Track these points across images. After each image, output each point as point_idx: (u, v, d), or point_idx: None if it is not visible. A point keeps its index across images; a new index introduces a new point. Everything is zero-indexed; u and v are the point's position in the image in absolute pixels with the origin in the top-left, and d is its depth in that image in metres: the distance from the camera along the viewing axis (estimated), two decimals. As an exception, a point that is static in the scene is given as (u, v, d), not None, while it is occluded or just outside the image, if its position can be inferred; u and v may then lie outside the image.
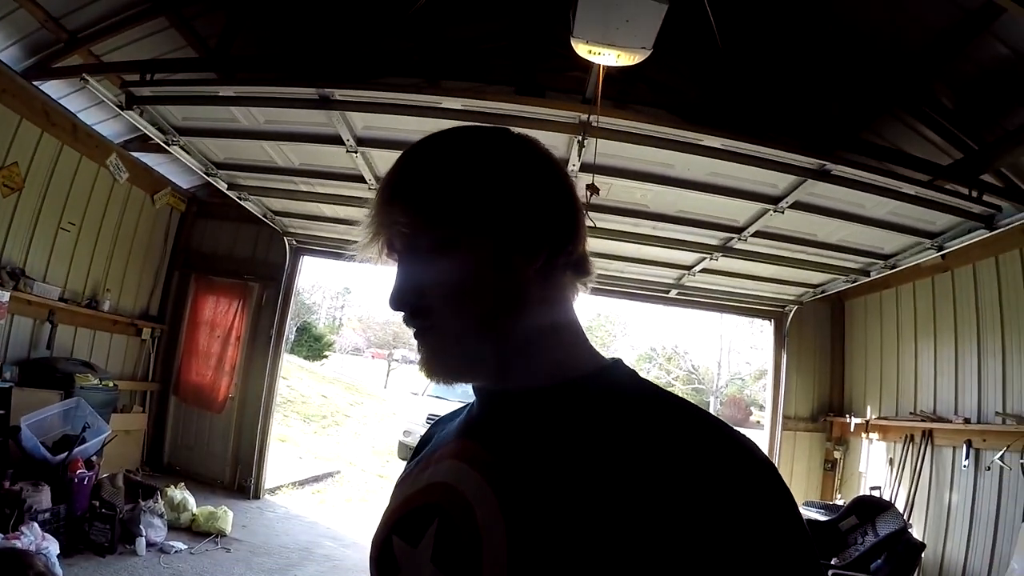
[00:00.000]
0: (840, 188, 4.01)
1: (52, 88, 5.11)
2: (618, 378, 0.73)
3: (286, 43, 5.31)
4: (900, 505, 5.28)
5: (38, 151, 5.31)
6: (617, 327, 38.85)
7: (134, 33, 4.78)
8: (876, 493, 5.41)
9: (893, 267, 5.16)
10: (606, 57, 3.24)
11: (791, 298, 6.68)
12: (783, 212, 4.42)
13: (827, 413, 6.76)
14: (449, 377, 0.74)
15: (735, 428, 0.66)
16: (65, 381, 5.39)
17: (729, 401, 26.86)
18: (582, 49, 3.19)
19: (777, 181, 4.16)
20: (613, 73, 3.61)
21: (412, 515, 0.74)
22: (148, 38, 4.89)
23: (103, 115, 5.57)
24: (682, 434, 0.63)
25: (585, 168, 4.15)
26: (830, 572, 4.06)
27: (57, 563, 3.85)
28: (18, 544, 3.62)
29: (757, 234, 4.93)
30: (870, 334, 6.48)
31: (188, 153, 5.06)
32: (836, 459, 6.54)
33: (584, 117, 3.69)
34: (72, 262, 6.00)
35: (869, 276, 5.46)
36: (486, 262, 0.71)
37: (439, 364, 0.73)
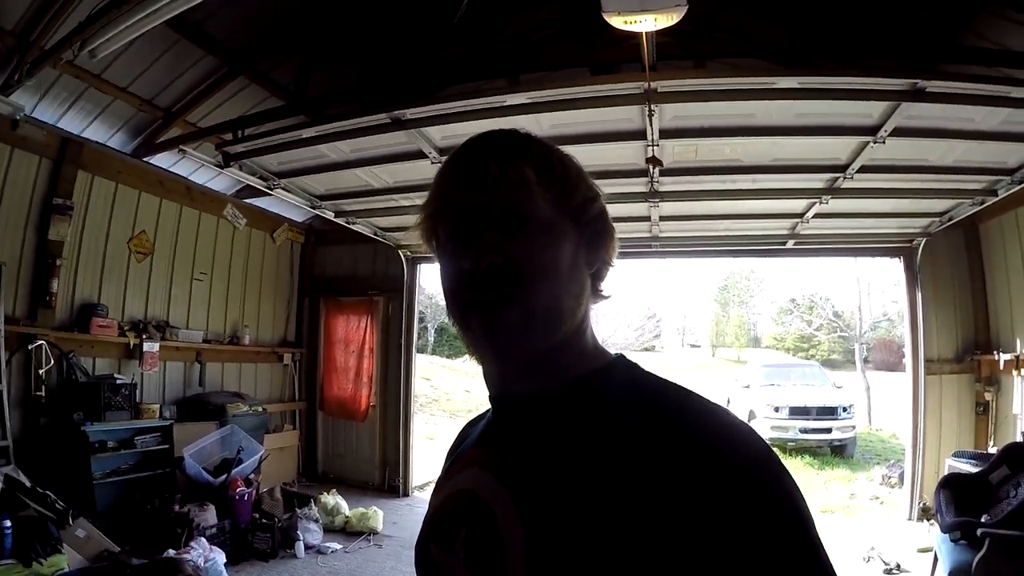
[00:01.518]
0: (940, 105, 3.60)
1: (161, 160, 5.75)
2: (619, 374, 0.76)
3: (357, 75, 5.60)
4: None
5: (161, 216, 6.03)
6: (753, 283, 37.19)
7: (221, 96, 5.29)
8: (1030, 437, 4.85)
9: (1022, 181, 4.57)
10: (644, 23, 3.14)
11: (917, 230, 6.09)
12: (884, 142, 4.04)
13: (973, 352, 6.07)
14: (509, 354, 0.74)
15: (735, 418, 0.69)
16: (218, 412, 6.10)
17: (878, 345, 24.80)
18: (617, 21, 3.12)
19: (869, 110, 3.81)
20: (685, 29, 3.52)
21: (444, 522, 0.78)
22: (234, 97, 5.39)
23: (211, 173, 6.16)
24: (676, 429, 0.65)
25: (665, 135, 4.07)
26: (979, 531, 3.71)
27: (224, 571, 4.40)
28: (188, 557, 4.23)
29: (863, 169, 4.56)
30: (1011, 258, 5.75)
31: (291, 192, 5.52)
32: (987, 401, 5.90)
33: (646, 86, 3.60)
34: (210, 306, 6.73)
35: (997, 195, 4.86)
36: (571, 251, 0.75)
37: (506, 338, 0.72)
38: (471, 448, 0.83)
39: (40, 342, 4.83)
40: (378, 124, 4.19)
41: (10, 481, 3.98)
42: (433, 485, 0.91)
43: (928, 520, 5.79)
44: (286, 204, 6.87)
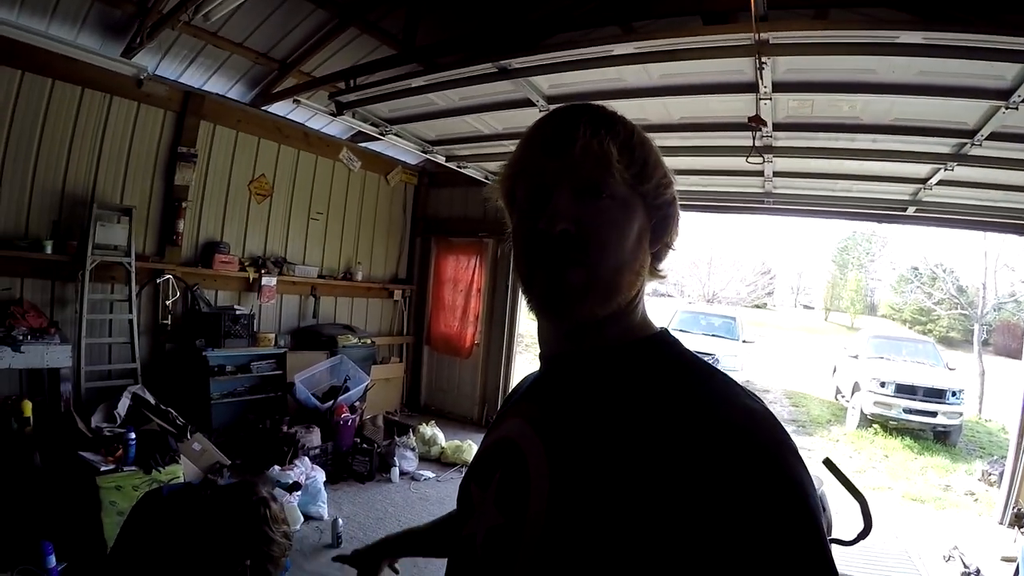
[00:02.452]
0: (1084, 70, 3.22)
1: (278, 108, 6.09)
2: (659, 348, 0.81)
3: (464, 23, 5.64)
4: None
5: (279, 161, 6.44)
6: (874, 246, 34.69)
7: (333, 46, 5.49)
8: None
9: None
10: None
11: (1052, 207, 5.56)
12: (1017, 108, 3.67)
13: (1105, 340, 5.55)
14: (575, 313, 0.78)
15: (757, 403, 0.71)
16: (329, 343, 6.55)
17: (1001, 327, 22.55)
18: None
19: (1003, 72, 3.45)
20: None
21: (484, 465, 0.87)
22: (346, 47, 5.58)
23: (327, 119, 6.44)
24: (700, 407, 0.68)
25: (778, 88, 3.91)
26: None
27: (323, 488, 4.79)
28: (291, 474, 4.62)
29: (993, 136, 4.15)
30: None
31: (402, 138, 5.70)
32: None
33: (756, 36, 3.41)
34: (325, 244, 7.15)
35: None
36: (638, 229, 0.80)
37: (571, 298, 0.77)
38: (519, 400, 0.90)
39: (167, 276, 5.36)
40: (485, 73, 4.24)
41: (137, 398, 4.49)
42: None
43: (1020, 528, 5.44)
44: (399, 148, 7.09)
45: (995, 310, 18.87)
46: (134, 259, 4.95)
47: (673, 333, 0.84)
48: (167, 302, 5.38)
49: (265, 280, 6.12)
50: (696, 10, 4.63)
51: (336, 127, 6.81)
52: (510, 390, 1.08)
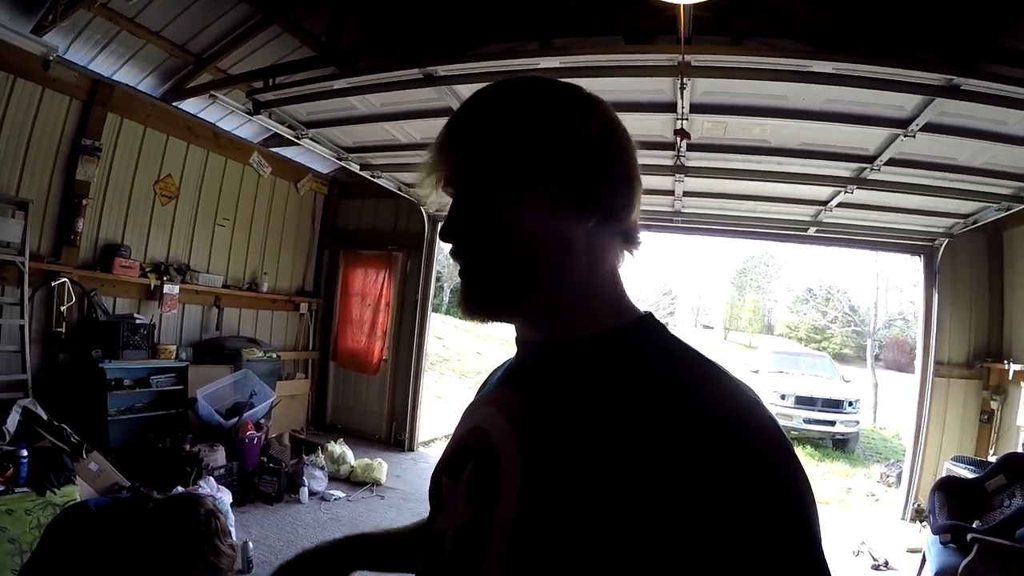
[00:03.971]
0: (975, 104, 3.56)
1: (190, 105, 5.79)
2: (642, 334, 0.74)
3: (390, 27, 5.57)
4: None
5: (187, 161, 6.11)
6: (771, 268, 36.94)
7: (253, 44, 5.28)
8: (1031, 451, 4.85)
9: (1052, 189, 4.51)
10: None
11: (940, 230, 6.02)
12: (915, 136, 4.01)
13: (984, 358, 6.02)
14: (484, 316, 0.76)
15: (753, 398, 0.66)
16: (233, 356, 6.24)
17: (891, 343, 24.60)
18: None
19: (902, 103, 3.78)
20: (725, 5, 3.46)
21: (457, 456, 0.81)
22: (266, 45, 5.38)
23: (240, 120, 6.19)
24: (688, 402, 0.63)
25: (695, 109, 4.08)
26: (969, 536, 3.76)
27: (229, 510, 4.55)
28: (205, 492, 4.36)
29: (891, 162, 4.52)
30: (1033, 269, 5.69)
31: (318, 143, 5.58)
32: (992, 410, 5.87)
33: (680, 59, 3.58)
34: (231, 252, 6.83)
35: (1024, 203, 4.81)
36: (539, 212, 0.71)
37: (477, 303, 0.75)
38: (494, 387, 0.85)
39: (63, 280, 4.95)
40: (410, 79, 4.21)
41: (27, 413, 4.09)
42: (448, 434, 0.96)
43: (921, 521, 5.84)
44: (311, 155, 6.92)
45: (885, 327, 20.41)
46: (28, 258, 4.54)
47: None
48: (62, 308, 4.95)
49: (167, 288, 5.76)
50: (620, 30, 4.78)
51: (248, 129, 6.55)
52: (483, 381, 0.98)
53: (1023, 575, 3.32)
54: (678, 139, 3.93)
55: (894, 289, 18.38)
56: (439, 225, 7.81)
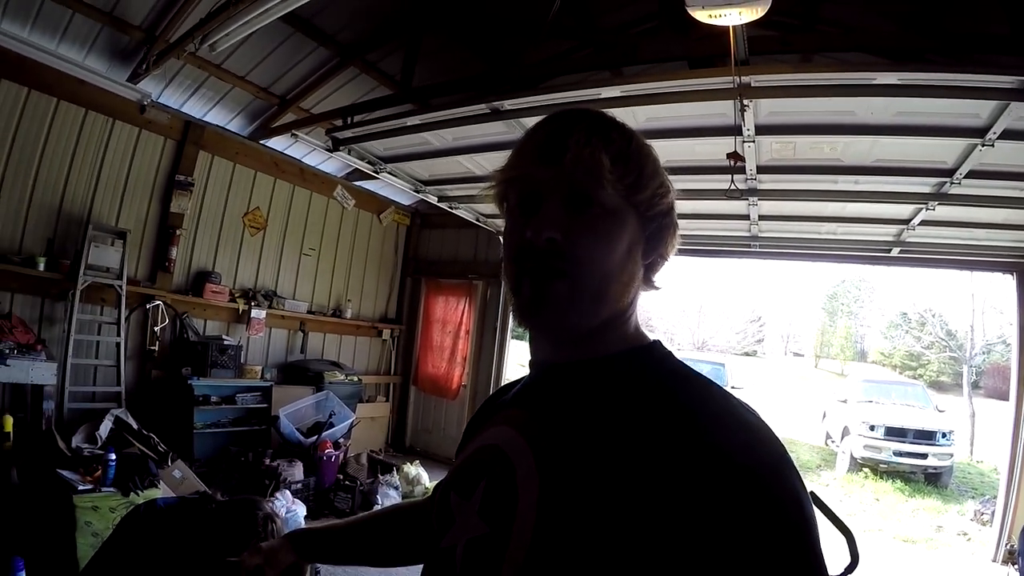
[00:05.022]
0: (1056, 105, 3.33)
1: (276, 143, 6.22)
2: (652, 359, 0.79)
3: (460, 66, 5.80)
4: None
5: (274, 195, 6.54)
6: (863, 292, 35.01)
7: (333, 84, 5.66)
8: None
9: None
10: (729, 17, 3.10)
11: (1034, 245, 5.65)
12: (993, 145, 3.77)
13: (1086, 383, 5.60)
14: (552, 325, 0.78)
15: (755, 419, 0.69)
16: (316, 378, 6.49)
17: (990, 369, 22.65)
18: (702, 15, 3.10)
19: (976, 110, 3.57)
20: (789, 22, 3.41)
21: (467, 473, 0.82)
22: (345, 86, 5.75)
23: (323, 156, 6.53)
24: (693, 423, 0.66)
25: (761, 131, 4.04)
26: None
27: (302, 521, 4.71)
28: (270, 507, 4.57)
29: (971, 174, 4.25)
30: None
31: (396, 177, 5.81)
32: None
33: (738, 80, 3.55)
34: (316, 280, 7.19)
35: (1125, 207, 4.46)
36: (629, 241, 0.78)
37: (551, 309, 0.76)
38: (506, 406, 0.87)
39: (157, 302, 5.36)
40: (478, 114, 4.37)
41: (119, 422, 4.46)
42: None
43: (1012, 564, 5.38)
44: (392, 188, 7.18)
45: (984, 352, 18.95)
46: (125, 282, 4.96)
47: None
48: (155, 328, 5.37)
49: (255, 312, 6.13)
50: (682, 56, 4.81)
51: (332, 165, 6.93)
52: (480, 406, 1.02)
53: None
54: (732, 162, 3.89)
55: (992, 311, 17.08)
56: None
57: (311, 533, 1.17)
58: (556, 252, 0.75)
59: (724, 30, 3.29)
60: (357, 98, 5.62)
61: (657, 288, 0.86)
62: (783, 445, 0.67)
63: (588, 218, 0.76)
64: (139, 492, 3.69)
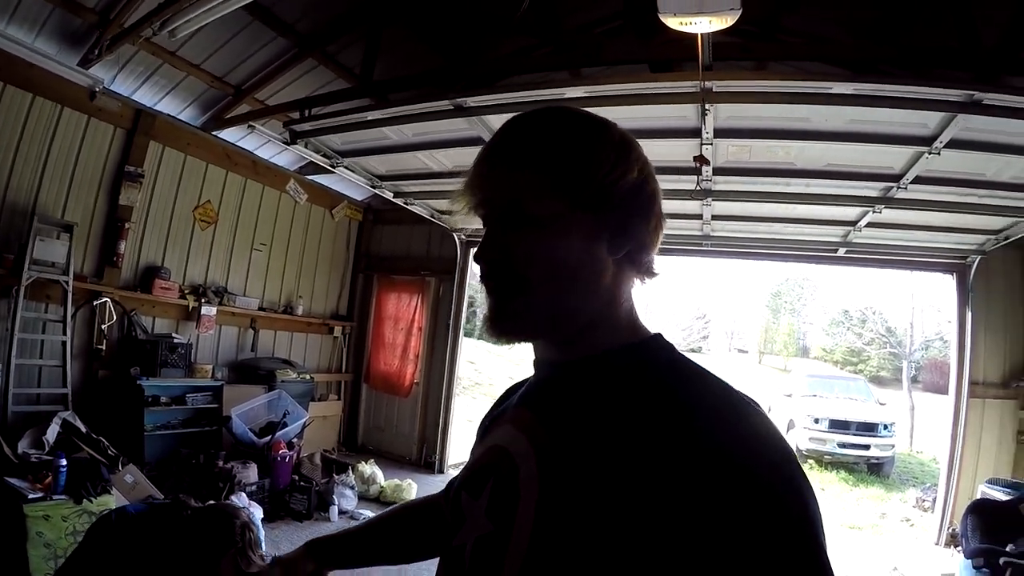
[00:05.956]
0: (999, 119, 3.53)
1: (229, 134, 6.03)
2: (652, 354, 0.78)
3: (421, 60, 5.74)
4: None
5: (226, 188, 6.33)
6: (806, 291, 36.25)
7: (290, 75, 5.50)
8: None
9: (1085, 203, 4.42)
10: (699, 25, 3.18)
11: (972, 247, 5.91)
12: (939, 153, 3.99)
13: (1020, 378, 5.87)
14: (512, 338, 0.79)
15: (759, 417, 0.67)
16: (268, 377, 6.36)
17: (929, 365, 23.88)
18: (673, 22, 3.16)
19: (925, 120, 3.77)
20: (749, 30, 3.51)
21: (476, 473, 0.83)
22: (303, 77, 5.59)
23: (277, 148, 6.41)
24: (694, 422, 0.65)
25: (719, 134, 4.14)
26: (1002, 560, 3.67)
27: (260, 525, 4.64)
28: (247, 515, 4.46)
29: (917, 180, 4.48)
30: (1070, 285, 5.58)
31: (352, 171, 5.74)
32: (1031, 430, 5.73)
33: (702, 84, 3.66)
34: (267, 276, 7.02)
35: (1058, 216, 4.72)
36: (580, 242, 0.75)
37: (508, 325, 0.78)
38: (513, 407, 0.87)
39: (105, 299, 5.13)
40: (441, 110, 4.35)
41: (67, 425, 4.25)
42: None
43: (955, 546, 5.67)
44: (346, 182, 7.10)
45: (923, 348, 19.91)
46: (72, 278, 4.73)
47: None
48: (103, 326, 5.15)
49: (205, 309, 5.94)
50: (644, 58, 4.86)
51: (284, 158, 6.77)
52: (496, 400, 1.01)
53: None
54: (698, 165, 3.97)
55: (931, 309, 17.99)
56: (472, 251, 7.96)
57: (330, 540, 1.16)
58: (501, 271, 0.76)
59: (688, 35, 3.35)
60: (313, 90, 5.51)
61: (650, 276, 0.83)
62: (786, 442, 0.66)
63: (524, 233, 0.75)
64: (92, 499, 3.55)
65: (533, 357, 0.87)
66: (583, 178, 0.74)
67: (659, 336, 0.80)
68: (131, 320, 5.38)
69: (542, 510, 0.69)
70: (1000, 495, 4.66)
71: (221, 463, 5.03)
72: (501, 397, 1.01)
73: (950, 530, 5.91)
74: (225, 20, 4.15)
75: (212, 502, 4.25)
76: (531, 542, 0.68)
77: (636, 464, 0.63)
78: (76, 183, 4.98)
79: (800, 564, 0.59)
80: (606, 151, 0.76)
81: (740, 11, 3.02)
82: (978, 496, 4.95)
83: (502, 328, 0.78)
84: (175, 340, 5.48)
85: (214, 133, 5.87)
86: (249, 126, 5.15)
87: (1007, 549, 3.84)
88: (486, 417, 0.99)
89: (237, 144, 6.29)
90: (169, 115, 5.57)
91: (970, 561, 3.96)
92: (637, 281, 0.83)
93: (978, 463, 5.92)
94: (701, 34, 3.34)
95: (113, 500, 3.71)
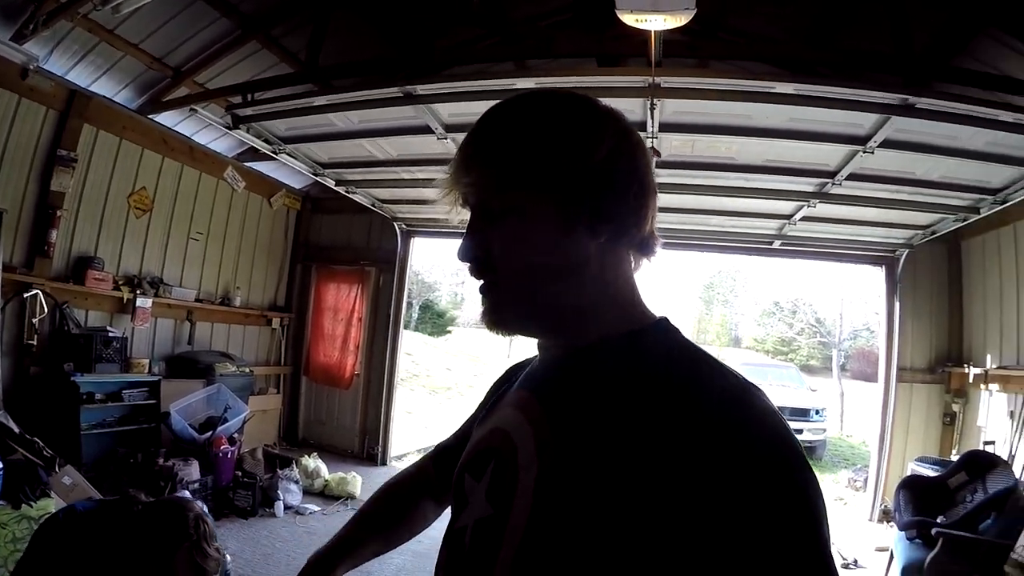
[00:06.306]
0: (929, 122, 3.74)
1: (166, 118, 5.77)
2: (656, 338, 0.76)
3: (369, 46, 5.64)
4: (1020, 462, 4.89)
5: (162, 174, 6.06)
6: (738, 283, 37.57)
7: (232, 58, 5.30)
8: (990, 448, 5.03)
9: (1004, 202, 4.69)
10: (653, 22, 3.24)
11: (901, 241, 6.25)
12: (873, 152, 4.19)
13: (945, 364, 6.27)
14: (507, 330, 0.80)
15: (763, 402, 0.66)
16: (206, 371, 6.16)
17: (856, 354, 25.14)
18: (629, 19, 3.21)
19: (861, 120, 3.95)
20: (693, 28, 3.60)
21: (479, 456, 0.83)
22: (245, 60, 5.40)
23: (215, 134, 6.19)
24: (698, 406, 0.64)
25: (665, 128, 4.22)
26: (934, 531, 3.89)
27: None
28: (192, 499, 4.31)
29: (852, 177, 4.70)
30: (989, 276, 5.93)
31: (295, 158, 5.60)
32: (955, 412, 6.10)
33: (651, 80, 3.70)
34: (204, 266, 6.77)
35: (980, 213, 5.00)
36: (551, 233, 0.73)
37: (499, 318, 0.79)
38: (515, 389, 0.87)
39: (35, 291, 4.83)
40: (390, 97, 4.28)
41: (-1, 426, 4.05)
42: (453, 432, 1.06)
43: (888, 522, 6.02)
44: (285, 170, 6.93)
45: (851, 338, 20.93)
46: (0, 269, 4.43)
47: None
48: (34, 320, 4.84)
49: (140, 301, 5.68)
50: (593, 52, 4.91)
51: (222, 144, 6.54)
52: (496, 380, 1.01)
53: (986, 566, 3.45)
54: (651, 157, 4.05)
55: (859, 301, 18.95)
56: (413, 240, 7.98)
57: (331, 551, 1.13)
58: (481, 267, 0.77)
59: (637, 31, 3.40)
60: (255, 74, 5.34)
61: (650, 254, 0.80)
62: (789, 428, 0.65)
63: (498, 226, 0.75)
64: (31, 503, 3.37)
65: (536, 341, 0.86)
66: (541, 166, 0.72)
67: (664, 320, 0.79)
68: (63, 313, 5.09)
69: (540, 492, 0.69)
70: (929, 472, 4.92)
71: (162, 461, 4.86)
72: (503, 377, 1.00)
73: (882, 507, 6.27)
74: (167, -3, 3.99)
75: (163, 496, 4.11)
76: (528, 524, 0.68)
77: (638, 447, 0.63)
78: (5, 167, 4.66)
79: (800, 558, 0.59)
80: (565, 134, 0.73)
81: (695, 11, 3.10)
82: (908, 473, 5.22)
83: (488, 321, 0.79)
84: (110, 334, 5.24)
85: (151, 117, 5.60)
86: (191, 109, 4.92)
87: (938, 520, 4.07)
88: (488, 397, 0.98)
89: (174, 129, 6.02)
90: (105, 97, 5.26)
91: (904, 533, 4.18)
92: (639, 260, 0.81)
93: (907, 443, 6.29)
94: (654, 31, 3.41)
95: (53, 503, 3.53)
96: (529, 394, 0.81)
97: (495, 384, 1.00)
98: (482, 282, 0.78)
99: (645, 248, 0.80)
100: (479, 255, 0.77)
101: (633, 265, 0.80)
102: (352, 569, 1.15)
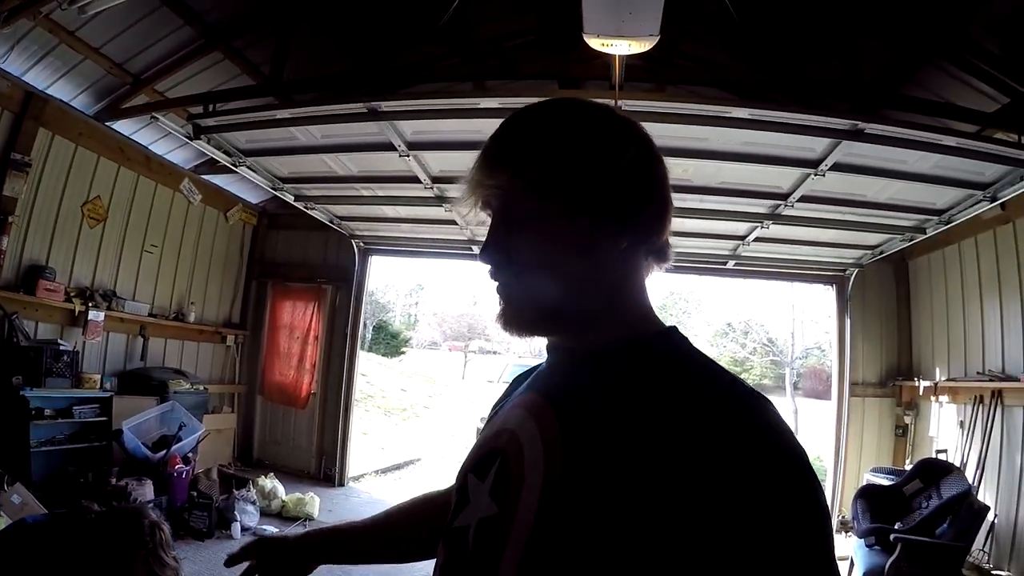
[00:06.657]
0: (878, 146, 3.92)
1: (124, 126, 5.62)
2: (665, 345, 0.76)
3: (332, 62, 5.63)
4: (971, 469, 5.11)
5: (117, 184, 5.89)
6: (691, 304, 38.19)
7: (193, 68, 5.22)
8: (943, 456, 5.24)
9: (948, 222, 4.94)
10: (618, 47, 3.33)
11: (851, 261, 6.49)
12: (824, 175, 4.38)
13: (896, 377, 6.54)
14: (523, 331, 0.81)
15: (770, 413, 0.65)
16: (159, 388, 5.97)
17: (808, 372, 25.82)
18: (595, 43, 3.29)
19: (813, 145, 4.13)
20: (651, 53, 3.72)
21: (484, 456, 0.82)
22: (206, 71, 5.33)
23: (173, 144, 6.07)
24: (705, 415, 0.64)
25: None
26: (892, 536, 4.01)
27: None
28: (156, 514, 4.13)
29: (804, 199, 4.88)
30: (935, 293, 6.24)
31: (255, 172, 5.52)
32: (907, 424, 6.34)
33: (614, 103, 3.74)
34: (158, 280, 6.58)
35: (926, 233, 5.25)
36: (574, 238, 0.74)
37: (517, 319, 0.80)
38: (524, 391, 0.87)
39: (-17, 300, 4.62)
40: (355, 113, 4.28)
41: (-55, 443, 3.83)
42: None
43: (846, 532, 6.14)
44: (242, 184, 6.83)
45: (803, 357, 21.45)
46: (-52, 277, 4.23)
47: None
48: (-19, 331, 4.62)
49: (92, 314, 5.48)
50: (556, 74, 5.01)
51: (179, 155, 6.41)
52: (506, 388, 1.02)
53: (944, 569, 3.57)
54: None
55: (810, 321, 19.43)
56: (372, 258, 7.90)
57: (330, 532, 1.12)
58: (500, 270, 0.79)
59: (600, 54, 3.50)
60: (216, 85, 5.28)
61: (665, 261, 0.82)
62: (795, 435, 0.66)
63: (522, 229, 0.76)
64: (-22, 523, 3.19)
65: (546, 343, 0.86)
66: (568, 172, 0.73)
67: (674, 328, 0.79)
68: (12, 324, 4.86)
69: (547, 491, 0.68)
70: (884, 481, 5.08)
71: (115, 480, 4.67)
72: (513, 383, 1.00)
73: (840, 517, 6.41)
74: (134, 1, 3.91)
75: (116, 504, 3.94)
76: (535, 524, 0.68)
77: (648, 448, 0.63)
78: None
79: (814, 553, 0.60)
80: (591, 141, 0.75)
81: (658, 37, 3.21)
82: (864, 483, 5.37)
83: (503, 323, 0.80)
84: (61, 347, 5.03)
85: (108, 124, 5.45)
86: (152, 117, 4.78)
87: (896, 527, 4.19)
88: (498, 402, 0.99)
89: (131, 137, 5.86)
90: (62, 100, 5.10)
91: (863, 540, 4.30)
92: (651, 268, 0.82)
93: (861, 455, 6.49)
94: (617, 55, 3.51)
95: (2, 522, 3.37)
96: (537, 395, 0.81)
97: (503, 393, 1.01)
98: (499, 284, 0.79)
99: (661, 255, 0.81)
100: (501, 258, 0.78)
101: (646, 271, 0.82)
102: (349, 563, 1.16)
